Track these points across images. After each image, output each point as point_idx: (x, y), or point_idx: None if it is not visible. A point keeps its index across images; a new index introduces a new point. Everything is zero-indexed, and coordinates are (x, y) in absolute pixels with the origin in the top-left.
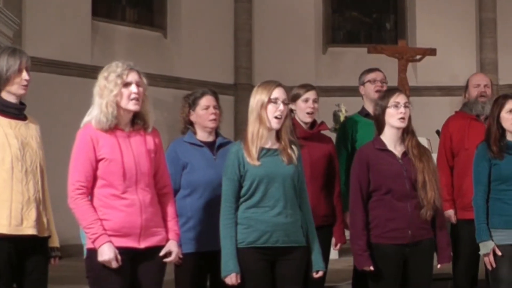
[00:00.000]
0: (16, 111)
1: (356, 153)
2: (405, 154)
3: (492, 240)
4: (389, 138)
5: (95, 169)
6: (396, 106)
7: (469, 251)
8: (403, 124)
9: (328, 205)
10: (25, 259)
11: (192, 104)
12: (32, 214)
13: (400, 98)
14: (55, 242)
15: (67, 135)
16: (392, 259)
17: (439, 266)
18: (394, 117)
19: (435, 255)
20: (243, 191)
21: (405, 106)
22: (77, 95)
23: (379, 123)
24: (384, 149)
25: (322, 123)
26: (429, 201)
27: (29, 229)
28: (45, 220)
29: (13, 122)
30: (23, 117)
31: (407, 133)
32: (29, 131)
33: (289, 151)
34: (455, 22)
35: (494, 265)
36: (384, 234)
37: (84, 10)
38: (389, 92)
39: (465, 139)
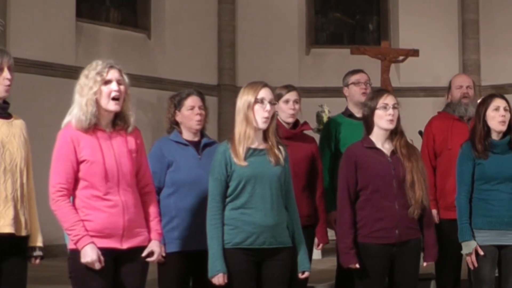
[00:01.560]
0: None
1: (344, 152)
2: (393, 153)
3: (475, 240)
4: (378, 138)
5: (76, 171)
6: (385, 107)
7: (452, 250)
8: (391, 126)
9: (311, 205)
10: (3, 259)
11: (177, 104)
12: (10, 213)
13: (388, 100)
14: (37, 242)
15: (52, 136)
16: (379, 259)
17: (425, 264)
18: (382, 118)
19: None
20: (229, 191)
21: (394, 108)
22: (61, 96)
23: (368, 124)
24: (372, 148)
25: (305, 123)
26: (417, 200)
27: (6, 227)
28: (23, 219)
29: None
30: (7, 116)
31: (395, 133)
32: (12, 129)
33: (276, 151)
34: (437, 23)
35: (476, 265)
36: (371, 234)
37: (68, 11)
38: (378, 93)
39: (448, 139)
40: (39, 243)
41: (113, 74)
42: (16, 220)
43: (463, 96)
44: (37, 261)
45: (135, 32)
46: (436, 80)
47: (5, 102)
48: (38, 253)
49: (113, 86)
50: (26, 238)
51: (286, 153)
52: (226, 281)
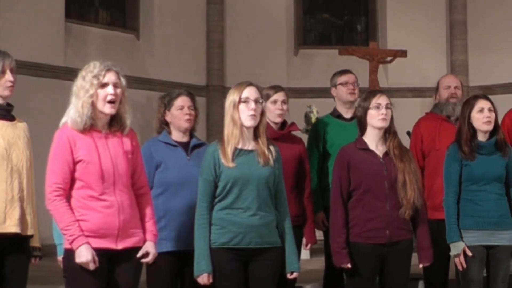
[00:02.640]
0: (3, 112)
1: (338, 153)
2: (386, 154)
3: (463, 241)
4: (371, 138)
5: (73, 171)
6: (378, 107)
7: (440, 251)
8: (384, 125)
9: (299, 205)
10: (6, 258)
11: (167, 104)
12: (16, 213)
13: (381, 100)
14: (36, 242)
15: (41, 136)
16: (370, 258)
17: (421, 266)
18: (375, 118)
19: (414, 255)
20: (217, 191)
21: (387, 107)
22: (50, 97)
23: (362, 124)
24: (365, 149)
25: (293, 124)
26: (408, 200)
27: (12, 227)
28: (29, 218)
29: (0, 122)
30: (10, 118)
31: (389, 133)
32: (16, 131)
33: (266, 152)
34: (425, 24)
35: (464, 266)
36: (362, 233)
37: (57, 12)
38: (371, 93)
39: (436, 140)
40: (38, 243)
41: (109, 78)
42: (22, 220)
43: (450, 96)
44: (35, 260)
45: (124, 33)
46: (424, 80)
47: (8, 104)
48: (37, 253)
49: (109, 89)
50: (29, 238)
51: (277, 154)
52: (211, 281)
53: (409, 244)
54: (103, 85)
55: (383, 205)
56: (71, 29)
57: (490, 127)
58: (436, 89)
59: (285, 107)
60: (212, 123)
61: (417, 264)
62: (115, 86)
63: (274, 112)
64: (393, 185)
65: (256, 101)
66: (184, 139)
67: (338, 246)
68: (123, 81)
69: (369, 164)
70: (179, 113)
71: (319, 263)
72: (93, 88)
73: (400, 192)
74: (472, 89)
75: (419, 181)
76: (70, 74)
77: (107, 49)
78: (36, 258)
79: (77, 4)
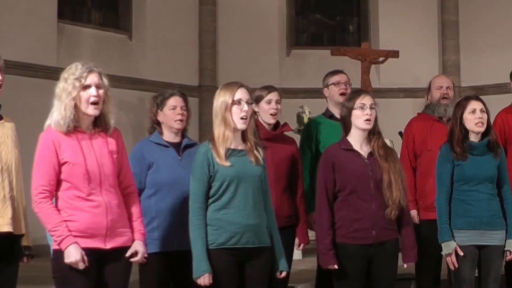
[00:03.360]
0: None
1: (323, 154)
2: (371, 154)
3: (454, 241)
4: (356, 139)
5: (58, 173)
6: (362, 108)
7: (432, 251)
8: (369, 126)
9: (292, 206)
10: None
11: (160, 104)
12: (8, 212)
13: (366, 100)
14: (27, 241)
15: (34, 137)
16: (357, 259)
17: (405, 265)
18: (360, 118)
19: (400, 255)
20: (212, 191)
21: (371, 108)
22: (43, 97)
23: (346, 125)
24: (350, 149)
25: (286, 124)
26: (394, 200)
27: (5, 226)
28: (20, 217)
29: None
30: None
31: (373, 134)
32: (5, 130)
33: (255, 152)
34: (417, 25)
35: (456, 265)
36: (348, 234)
37: (49, 12)
38: (355, 93)
39: (428, 140)
40: (29, 242)
41: (92, 79)
42: (14, 219)
43: (442, 97)
44: (27, 260)
45: (116, 33)
46: (416, 81)
47: None
48: (28, 252)
49: (92, 91)
50: (20, 237)
51: (263, 154)
52: (211, 281)
53: (395, 244)
54: (86, 87)
55: (369, 206)
56: (63, 29)
57: (482, 129)
58: (428, 89)
59: (279, 107)
60: (205, 123)
61: (409, 265)
62: (98, 87)
63: (268, 112)
64: (378, 186)
65: (247, 102)
66: (176, 139)
67: (324, 247)
68: (106, 81)
69: (354, 165)
70: (172, 113)
71: (311, 263)
72: (75, 91)
73: (386, 192)
74: (464, 89)
75: (404, 181)
76: None
77: (99, 49)
78: (28, 257)
79: (69, 5)
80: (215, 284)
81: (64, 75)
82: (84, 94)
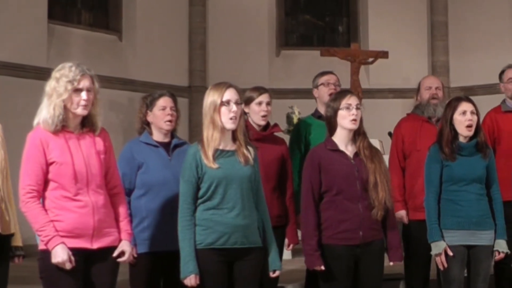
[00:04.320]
0: None
1: (308, 154)
2: (356, 154)
3: (444, 241)
4: (341, 139)
5: (46, 173)
6: (348, 108)
7: (421, 251)
8: (354, 126)
9: (281, 206)
10: None
11: (149, 104)
12: None
13: (351, 100)
14: (18, 241)
15: (23, 137)
16: (343, 260)
17: (391, 263)
18: (346, 119)
19: (386, 255)
20: (201, 192)
21: (357, 108)
22: (33, 98)
23: (331, 125)
24: (336, 150)
25: (275, 125)
26: (380, 201)
27: None
28: (8, 217)
29: None
30: None
31: (358, 134)
32: None
33: (245, 152)
34: (407, 25)
35: (445, 265)
36: (335, 235)
37: (40, 13)
38: (341, 94)
39: (417, 140)
40: (20, 242)
41: (84, 83)
42: (2, 219)
43: (431, 97)
44: (18, 260)
45: (106, 34)
46: (405, 81)
47: None
48: (20, 252)
49: (83, 95)
50: (10, 237)
51: (255, 153)
52: (198, 282)
53: (381, 244)
54: (77, 90)
55: (356, 206)
56: (53, 30)
57: (471, 133)
58: (417, 90)
59: (269, 108)
60: (195, 124)
61: (398, 265)
62: (88, 90)
63: (259, 113)
64: (365, 186)
65: (236, 103)
66: (166, 139)
67: (310, 248)
68: (97, 85)
69: (341, 165)
70: (161, 113)
71: (301, 263)
72: (66, 94)
73: (372, 193)
74: (453, 90)
75: (389, 181)
76: None
77: (89, 50)
78: (19, 257)
79: (59, 5)
80: (203, 284)
81: (56, 74)
82: (75, 97)
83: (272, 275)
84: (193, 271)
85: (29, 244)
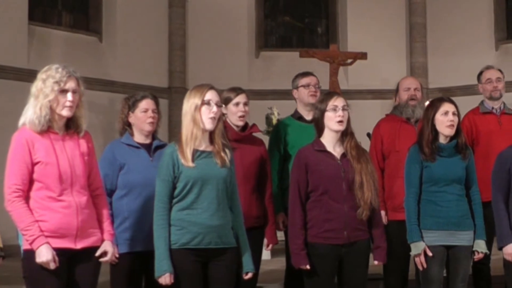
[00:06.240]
0: None
1: (296, 154)
2: (344, 155)
3: (423, 241)
4: (329, 140)
5: (31, 172)
6: (335, 109)
7: (400, 251)
8: (341, 127)
9: (260, 206)
10: None
11: (131, 106)
12: None
13: (338, 102)
14: None
15: (4, 139)
16: (328, 259)
17: (376, 262)
18: (332, 120)
19: (371, 255)
20: (176, 192)
21: (344, 109)
22: (13, 99)
23: (319, 126)
24: (323, 151)
25: (254, 125)
26: (365, 201)
27: None
28: None
29: None
30: None
31: (346, 134)
32: None
33: (222, 154)
34: (385, 27)
35: (425, 265)
36: (320, 234)
37: (20, 14)
38: (327, 95)
39: (396, 141)
40: (0, 243)
41: (70, 85)
42: None
43: (410, 98)
44: (0, 261)
45: (87, 36)
46: (384, 82)
47: None
48: (0, 253)
49: (68, 96)
50: None
51: (231, 155)
52: (172, 281)
53: (366, 244)
54: (63, 91)
55: (341, 206)
56: (34, 31)
57: (452, 132)
58: (396, 91)
59: (247, 108)
60: (174, 124)
61: (379, 265)
62: (74, 92)
63: (236, 114)
64: (351, 186)
65: (217, 104)
66: (147, 140)
67: (296, 247)
68: (82, 87)
69: (327, 166)
70: (143, 115)
71: (280, 263)
72: (53, 94)
73: (358, 193)
74: (431, 91)
75: (376, 182)
76: (33, 76)
77: (70, 51)
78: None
79: (40, 7)
80: (178, 283)
81: (43, 75)
82: (61, 98)
83: (245, 277)
84: (167, 269)
85: (9, 244)
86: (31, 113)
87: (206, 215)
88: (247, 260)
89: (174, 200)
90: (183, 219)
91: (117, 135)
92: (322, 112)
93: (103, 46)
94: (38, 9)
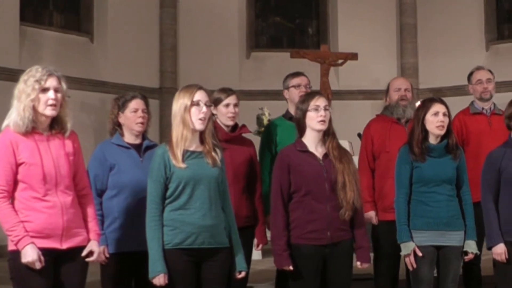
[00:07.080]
0: None
1: (278, 155)
2: (326, 155)
3: (413, 241)
4: (310, 140)
5: (16, 173)
6: (316, 109)
7: (390, 251)
8: (323, 127)
9: (250, 206)
10: None
11: (121, 106)
12: None
13: (320, 101)
14: None
15: None
16: (311, 260)
17: (359, 265)
18: (314, 120)
19: (354, 255)
20: (168, 192)
21: (325, 109)
22: (5, 99)
23: (300, 126)
24: (305, 151)
25: (244, 126)
26: (348, 201)
27: None
28: None
29: None
30: None
31: (327, 135)
32: None
33: (213, 153)
34: (376, 27)
35: (414, 266)
36: (303, 235)
37: (11, 15)
38: (309, 95)
39: (386, 142)
40: None
41: (51, 83)
42: None
43: (401, 98)
44: None
45: (78, 36)
46: (375, 83)
47: None
48: None
49: (50, 94)
50: None
51: (222, 155)
52: (166, 281)
53: (349, 244)
54: (44, 90)
55: (323, 207)
56: (25, 32)
57: (442, 132)
58: (387, 91)
59: (237, 109)
60: (165, 125)
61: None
62: (56, 90)
63: (226, 115)
64: (333, 187)
65: (206, 104)
66: (137, 141)
67: (279, 248)
68: (64, 85)
69: (309, 166)
70: (133, 115)
71: (271, 263)
72: (34, 93)
73: (340, 193)
74: (422, 91)
75: (358, 182)
76: None
77: (61, 52)
78: None
79: (31, 7)
80: (172, 284)
81: (24, 77)
82: (43, 97)
83: (238, 276)
84: (161, 270)
85: (0, 245)
86: (15, 115)
87: (199, 215)
88: (240, 259)
89: (167, 201)
90: (176, 219)
91: (108, 135)
92: (304, 112)
93: (95, 47)
94: (29, 10)
